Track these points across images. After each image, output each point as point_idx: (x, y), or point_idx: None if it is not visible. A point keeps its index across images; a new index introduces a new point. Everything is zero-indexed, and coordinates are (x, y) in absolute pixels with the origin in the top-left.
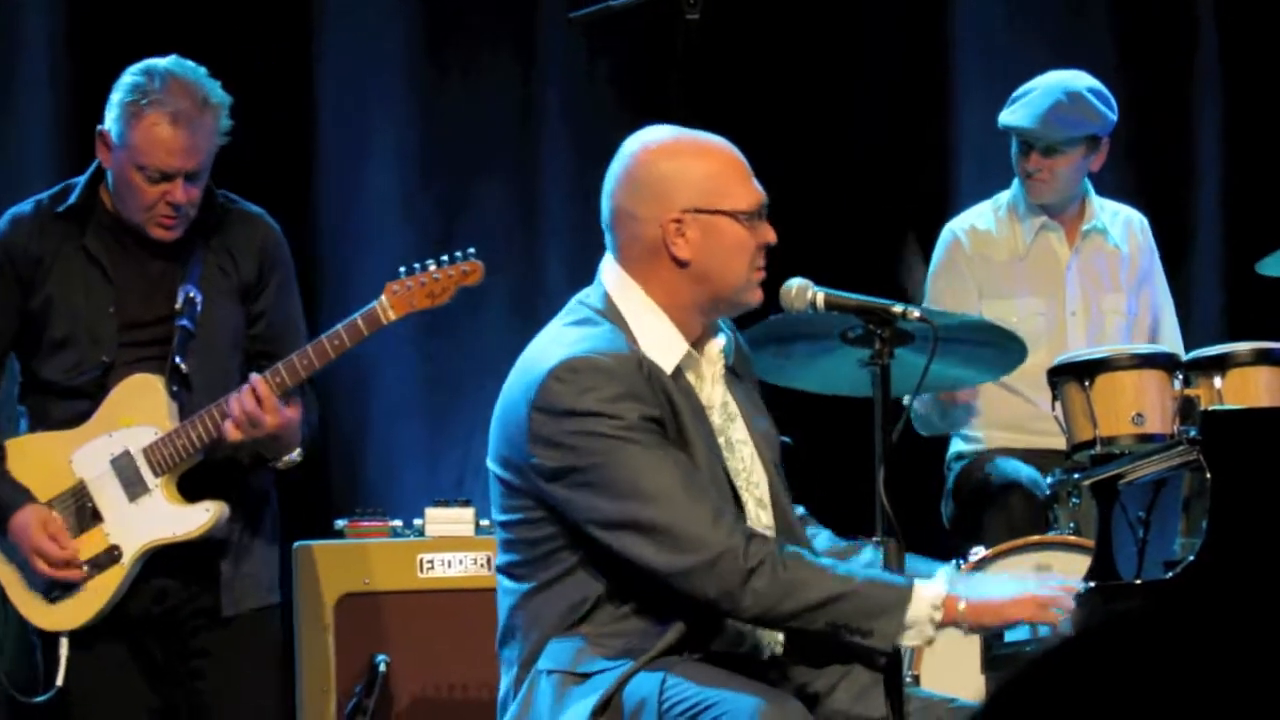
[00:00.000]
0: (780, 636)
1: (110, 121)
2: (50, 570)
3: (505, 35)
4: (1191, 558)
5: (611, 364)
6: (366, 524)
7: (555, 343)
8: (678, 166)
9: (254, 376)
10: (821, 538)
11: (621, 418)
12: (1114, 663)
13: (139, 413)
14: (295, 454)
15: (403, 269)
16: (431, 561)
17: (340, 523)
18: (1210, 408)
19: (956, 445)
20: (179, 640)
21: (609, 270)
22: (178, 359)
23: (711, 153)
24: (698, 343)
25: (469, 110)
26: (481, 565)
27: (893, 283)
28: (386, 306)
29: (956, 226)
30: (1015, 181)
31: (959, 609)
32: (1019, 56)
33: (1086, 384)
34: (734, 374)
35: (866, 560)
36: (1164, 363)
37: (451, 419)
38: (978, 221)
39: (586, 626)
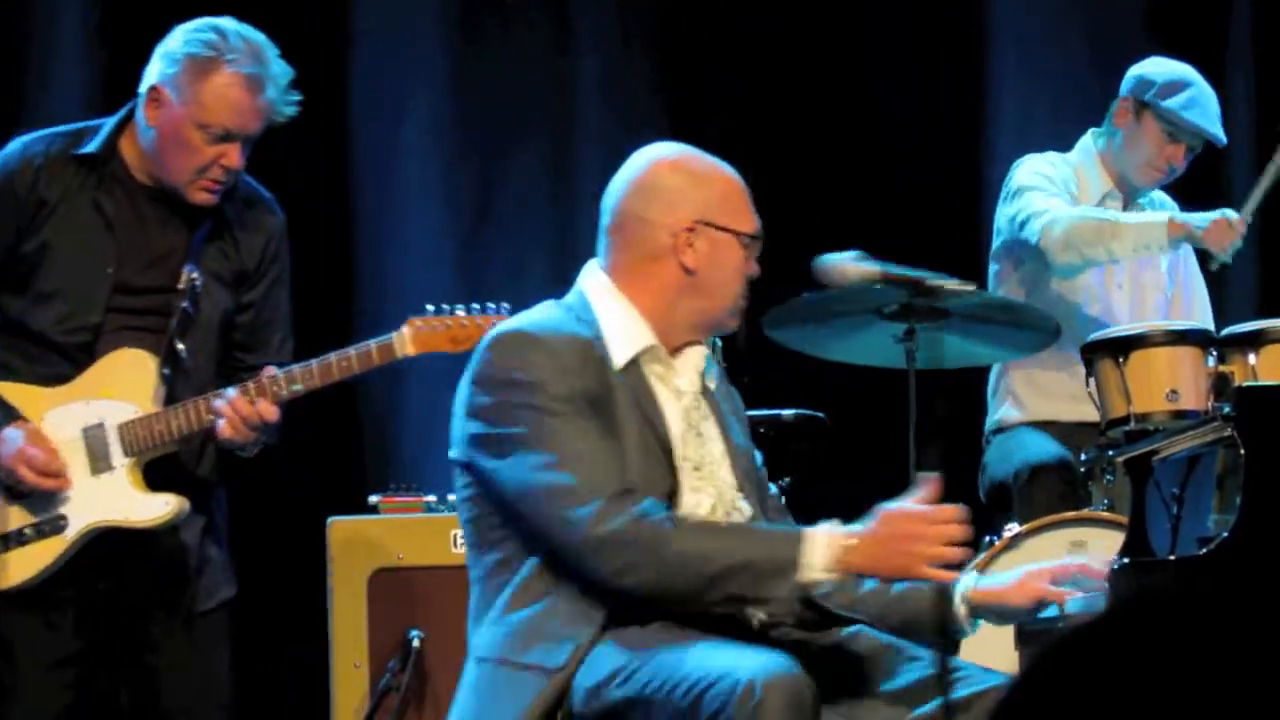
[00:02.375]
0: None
1: (167, 78)
2: (35, 478)
3: (539, 5)
4: (1225, 534)
5: (543, 338)
6: (400, 499)
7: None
8: (693, 179)
9: (266, 373)
10: None
11: (544, 389)
12: (1147, 639)
13: (124, 387)
14: (251, 450)
15: (430, 307)
16: None
17: (374, 498)
18: (1244, 384)
19: (995, 417)
20: (134, 628)
21: (591, 275)
22: (176, 340)
23: (723, 173)
24: (674, 351)
25: (504, 81)
26: None
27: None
28: (406, 340)
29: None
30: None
31: (853, 561)
32: (1054, 46)
33: (1121, 360)
34: (712, 395)
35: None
36: (1198, 339)
37: None
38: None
39: (526, 613)
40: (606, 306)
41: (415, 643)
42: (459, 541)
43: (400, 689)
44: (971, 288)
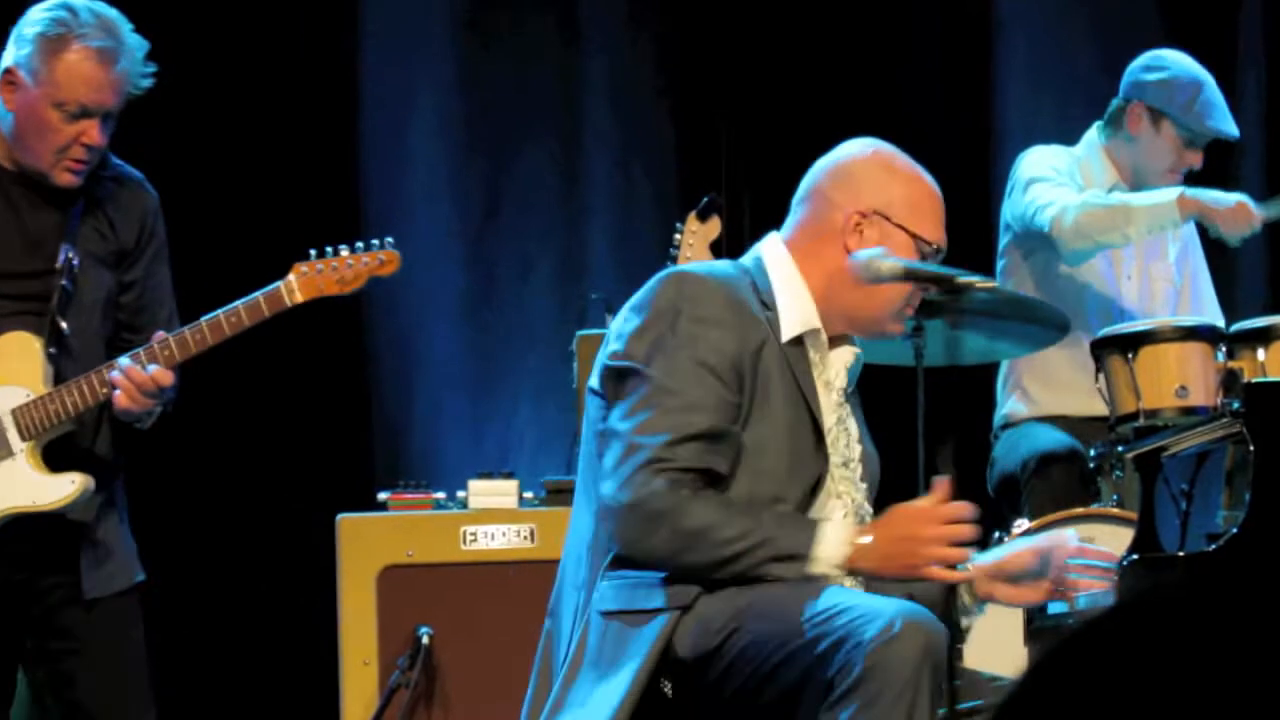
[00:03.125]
0: None
1: (21, 59)
2: None
3: (547, 4)
4: (1234, 530)
5: (724, 290)
6: (409, 496)
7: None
8: (889, 175)
9: (157, 338)
10: None
11: (702, 342)
12: (1155, 635)
13: (12, 372)
14: (147, 421)
15: (313, 250)
16: (475, 534)
17: (383, 495)
18: (1253, 380)
19: (1003, 413)
20: (40, 618)
21: (770, 245)
22: (59, 320)
23: (922, 179)
24: (832, 341)
25: (511, 80)
26: (525, 538)
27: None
28: (294, 288)
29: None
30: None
31: (864, 562)
32: (1061, 42)
33: (1130, 356)
34: (851, 398)
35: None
36: (1207, 335)
37: (495, 390)
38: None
39: (622, 593)
40: (781, 278)
41: (424, 640)
42: (468, 538)
43: (410, 686)
44: (994, 284)
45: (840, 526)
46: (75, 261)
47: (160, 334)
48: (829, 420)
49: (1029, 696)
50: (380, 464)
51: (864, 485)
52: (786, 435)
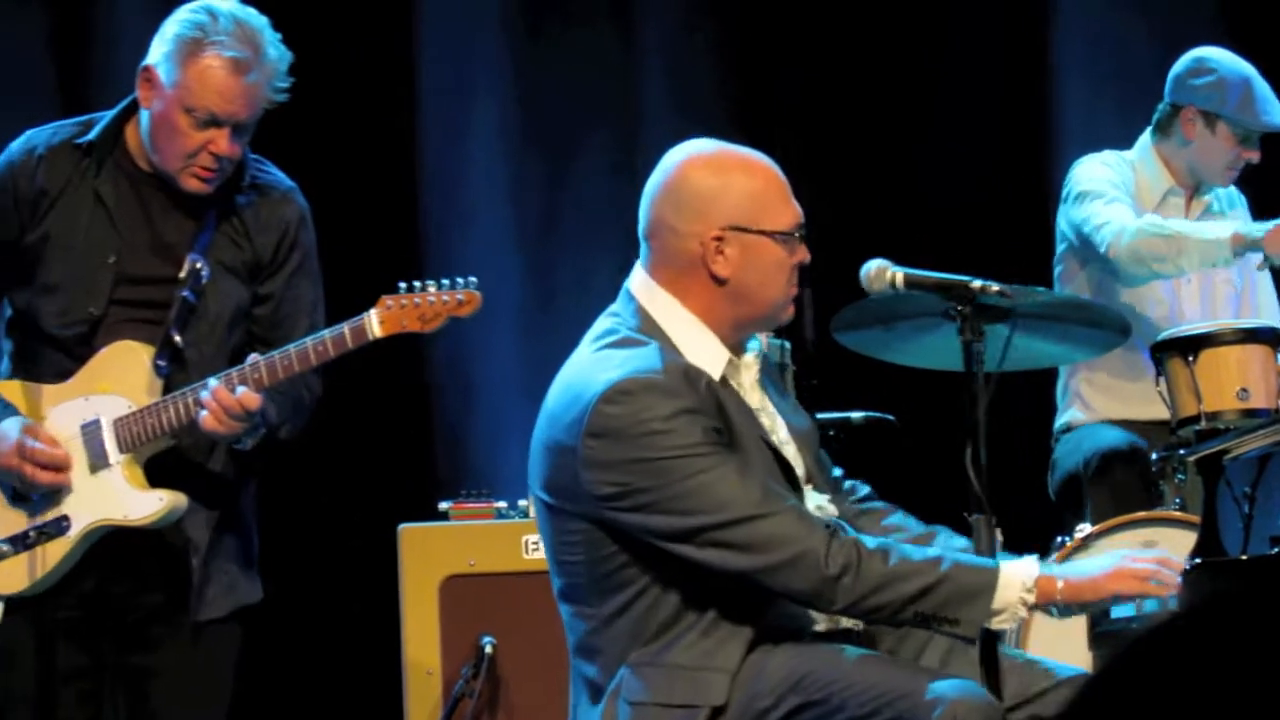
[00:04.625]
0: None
1: (159, 58)
2: (37, 473)
3: (604, 8)
4: None
5: (663, 381)
6: (471, 505)
7: (599, 367)
8: (721, 183)
9: (249, 360)
10: (899, 518)
11: (681, 434)
12: (1220, 641)
13: (118, 381)
14: (247, 443)
15: (402, 284)
16: (536, 543)
17: (444, 505)
18: None
19: (1063, 419)
20: (136, 633)
21: (641, 284)
22: (174, 331)
23: (755, 170)
24: (734, 350)
25: (568, 83)
26: None
27: (995, 266)
28: (375, 323)
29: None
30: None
31: (1056, 587)
32: (1119, 45)
33: (1190, 359)
34: (764, 375)
35: (946, 547)
36: (1268, 337)
37: None
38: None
39: (670, 650)
40: (675, 325)
41: (488, 649)
42: (530, 547)
43: (474, 695)
44: (1005, 289)
45: (1026, 569)
46: (204, 272)
47: (253, 356)
48: (779, 436)
49: (1096, 702)
50: (441, 474)
51: (803, 468)
52: (765, 472)
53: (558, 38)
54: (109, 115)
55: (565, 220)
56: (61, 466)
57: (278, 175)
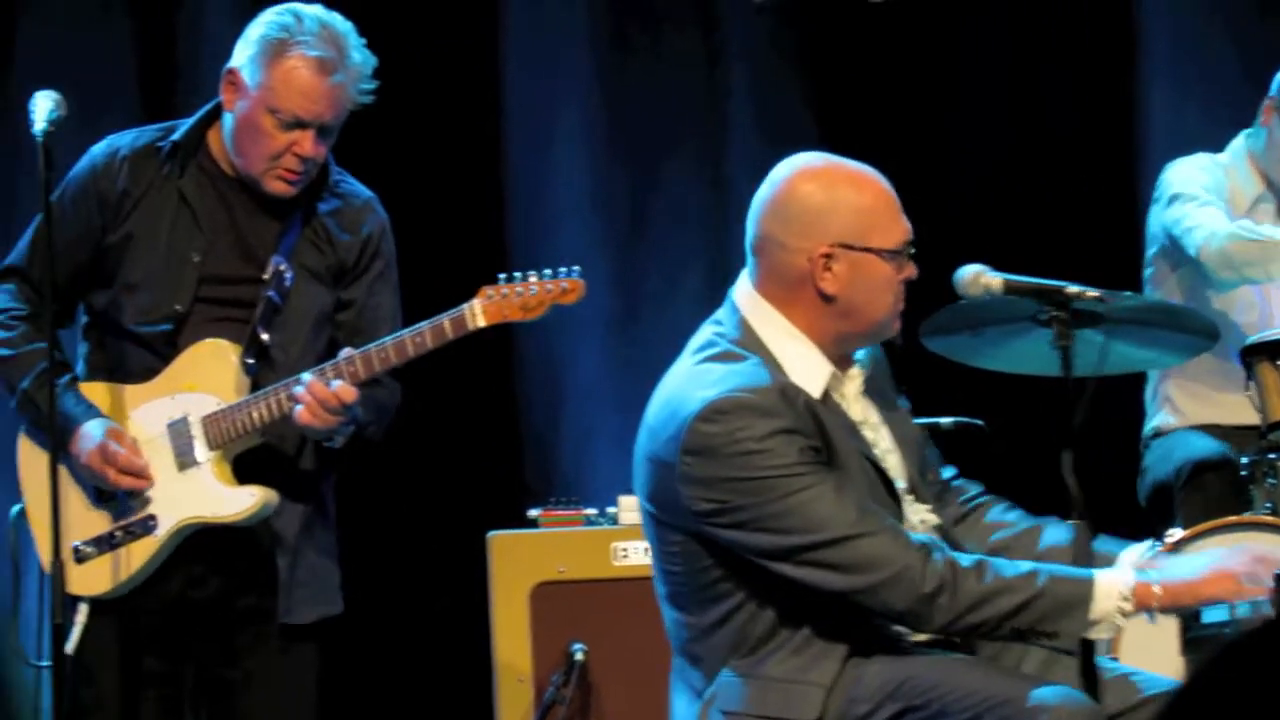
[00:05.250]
0: None
1: (244, 60)
2: (118, 477)
3: (690, 16)
4: None
5: (759, 401)
6: (560, 512)
7: (697, 382)
8: (830, 199)
9: (343, 354)
10: (1000, 512)
11: (777, 454)
12: None
13: (206, 379)
14: (338, 440)
15: (502, 275)
16: (625, 550)
17: (533, 511)
18: None
19: (1152, 424)
20: (221, 638)
21: (746, 296)
22: (260, 330)
23: (864, 186)
24: (838, 364)
25: (655, 92)
26: None
27: (1082, 269)
28: (477, 312)
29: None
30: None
31: (1153, 594)
32: (1205, 48)
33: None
34: (871, 384)
35: (1050, 539)
36: None
37: (643, 404)
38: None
39: (765, 662)
40: (778, 339)
41: (578, 656)
42: (619, 554)
43: (565, 702)
44: (1099, 293)
45: (1118, 570)
46: (287, 274)
47: (347, 350)
48: (881, 448)
49: (1189, 708)
50: (530, 481)
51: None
52: (866, 490)
53: (642, 46)
54: (191, 120)
55: (651, 228)
56: (142, 474)
57: (358, 185)
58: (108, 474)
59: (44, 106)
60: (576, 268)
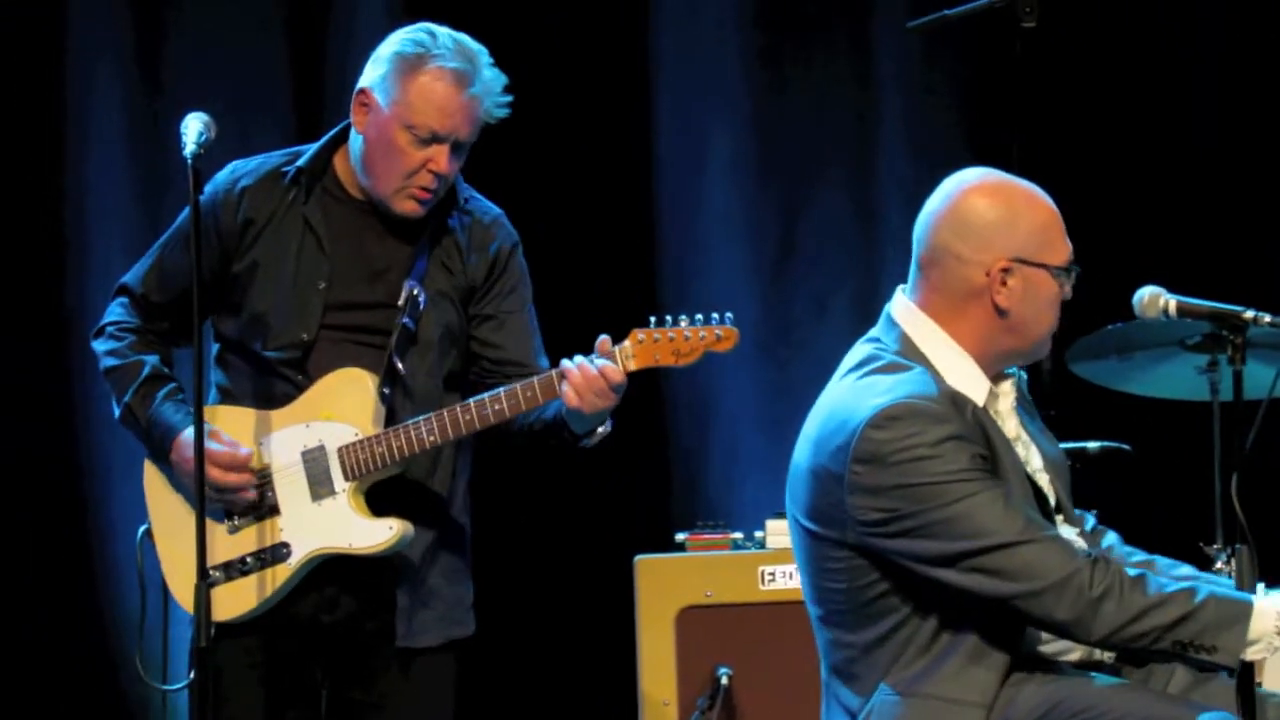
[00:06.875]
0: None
1: (375, 80)
2: (223, 475)
3: (841, 41)
4: None
5: (931, 407)
6: (707, 536)
7: (866, 392)
8: (1009, 213)
9: (601, 339)
10: (1113, 542)
11: (948, 460)
12: None
13: (343, 409)
14: (607, 425)
15: (653, 319)
16: (773, 574)
17: (681, 535)
18: None
19: None
20: (352, 661)
21: (905, 311)
22: (395, 358)
23: (1037, 203)
24: (994, 380)
25: (806, 117)
26: None
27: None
28: (629, 355)
29: None
30: None
31: None
32: None
33: None
34: (1022, 402)
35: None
36: None
37: (793, 428)
38: None
39: (924, 680)
40: (940, 352)
41: (724, 680)
42: (766, 578)
43: None
44: (1271, 318)
45: (1276, 594)
46: (420, 298)
47: (605, 339)
48: (1033, 465)
49: None
50: (677, 504)
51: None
52: (1025, 500)
53: (793, 69)
54: (316, 145)
55: (801, 252)
56: (242, 466)
57: (486, 202)
58: (212, 474)
59: (194, 128)
60: (729, 314)
